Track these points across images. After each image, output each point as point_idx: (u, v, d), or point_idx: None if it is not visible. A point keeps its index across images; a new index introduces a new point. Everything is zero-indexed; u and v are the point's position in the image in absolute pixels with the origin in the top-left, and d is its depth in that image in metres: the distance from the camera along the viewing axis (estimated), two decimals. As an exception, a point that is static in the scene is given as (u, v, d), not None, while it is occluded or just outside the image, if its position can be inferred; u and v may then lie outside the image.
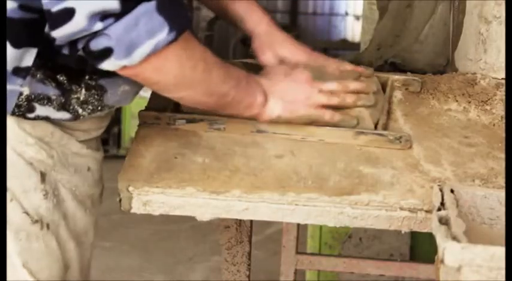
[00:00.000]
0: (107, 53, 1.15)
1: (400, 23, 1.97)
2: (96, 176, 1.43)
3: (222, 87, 1.33)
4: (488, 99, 1.56)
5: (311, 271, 3.08)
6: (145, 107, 1.51)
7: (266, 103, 1.40)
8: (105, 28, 1.13)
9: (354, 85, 1.48)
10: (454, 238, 1.01)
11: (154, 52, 1.17)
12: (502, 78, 1.57)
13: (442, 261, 0.99)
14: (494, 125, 1.51)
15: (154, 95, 1.59)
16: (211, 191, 1.34)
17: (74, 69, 1.26)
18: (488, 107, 1.55)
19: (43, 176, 1.29)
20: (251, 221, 2.01)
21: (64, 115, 1.28)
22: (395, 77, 1.61)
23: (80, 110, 1.29)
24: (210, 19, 8.74)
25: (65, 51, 1.21)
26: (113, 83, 1.31)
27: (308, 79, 1.44)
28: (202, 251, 4.43)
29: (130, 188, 1.35)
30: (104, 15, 1.12)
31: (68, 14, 1.13)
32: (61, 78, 1.26)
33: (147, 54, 1.16)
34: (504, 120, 1.51)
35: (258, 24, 1.61)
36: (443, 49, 1.83)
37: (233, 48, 10.47)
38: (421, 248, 3.01)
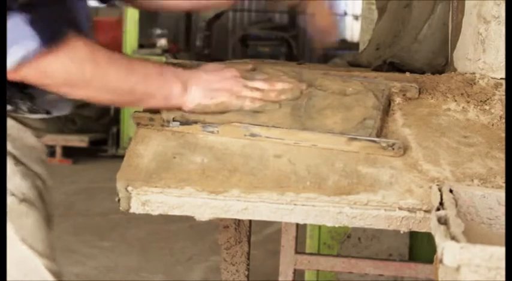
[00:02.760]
0: None
1: (399, 23, 1.97)
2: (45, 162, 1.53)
3: (124, 84, 1.39)
4: (487, 99, 1.56)
5: (310, 271, 3.09)
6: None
7: (185, 93, 1.45)
8: None
9: (281, 85, 1.52)
10: (453, 238, 1.00)
11: (26, 60, 1.28)
12: (501, 78, 1.57)
13: (441, 261, 0.99)
14: (493, 125, 1.51)
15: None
16: (210, 191, 1.34)
17: None
18: (487, 107, 1.55)
19: (16, 160, 1.40)
20: (250, 221, 2.01)
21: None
22: (392, 84, 1.60)
23: (23, 108, 1.41)
24: (209, 19, 8.75)
25: None
26: (39, 92, 1.41)
27: (235, 76, 1.50)
28: (201, 251, 4.43)
29: (129, 188, 1.35)
30: None
31: None
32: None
33: (17, 61, 1.27)
34: (503, 120, 1.51)
35: None
36: (442, 49, 1.84)
37: (232, 48, 10.48)
38: (419, 248, 3.01)
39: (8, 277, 1.36)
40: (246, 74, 1.53)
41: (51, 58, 1.30)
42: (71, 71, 1.33)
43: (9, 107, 1.40)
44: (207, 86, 1.47)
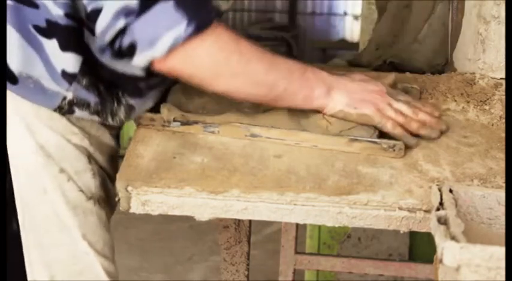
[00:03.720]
0: (132, 48, 1.26)
1: (398, 23, 1.97)
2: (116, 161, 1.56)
3: (267, 78, 1.36)
4: (487, 99, 1.56)
5: (310, 271, 3.09)
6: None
7: (329, 96, 1.41)
8: (128, 25, 1.23)
9: (423, 115, 1.46)
10: (453, 238, 1.01)
11: (176, 44, 1.25)
12: (501, 78, 1.57)
13: (440, 261, 0.99)
14: (492, 125, 1.52)
15: (153, 95, 1.59)
16: (210, 191, 1.34)
17: (111, 82, 1.39)
18: (486, 107, 1.55)
19: (89, 159, 1.43)
20: (250, 221, 2.01)
21: (95, 118, 1.42)
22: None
23: (110, 119, 1.43)
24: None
25: (107, 55, 1.32)
26: (142, 103, 1.46)
27: (381, 91, 1.44)
28: (201, 251, 4.43)
29: (129, 188, 1.35)
30: (126, 13, 1.22)
31: (97, 13, 1.24)
32: (101, 87, 1.38)
33: (169, 46, 1.25)
34: (503, 120, 1.51)
35: None
36: (442, 49, 1.84)
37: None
38: (419, 248, 3.01)
39: (63, 272, 1.40)
40: (391, 91, 1.47)
41: (199, 44, 1.27)
42: (218, 59, 1.31)
43: (97, 119, 1.42)
44: (351, 95, 1.42)
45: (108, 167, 1.50)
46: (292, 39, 10.39)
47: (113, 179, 1.45)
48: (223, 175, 1.36)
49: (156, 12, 1.23)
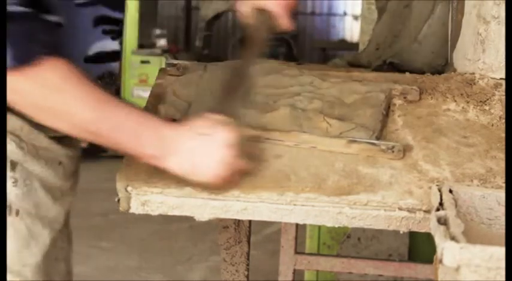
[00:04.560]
0: None
1: (398, 23, 1.97)
2: (68, 171, 1.46)
3: (91, 125, 1.29)
4: (487, 100, 1.55)
5: (309, 271, 3.08)
6: (144, 107, 1.51)
7: (163, 160, 1.32)
8: None
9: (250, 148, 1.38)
10: (453, 238, 1.01)
11: None
12: (501, 79, 1.57)
13: (440, 261, 0.99)
14: (492, 125, 1.51)
15: (154, 97, 1.59)
16: (210, 191, 1.34)
17: None
18: (486, 107, 1.55)
19: (13, 165, 1.34)
20: (250, 221, 2.01)
21: (21, 121, 1.35)
22: (393, 86, 1.59)
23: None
24: (209, 19, 8.75)
25: None
26: None
27: (223, 144, 1.32)
28: (201, 251, 4.43)
29: (129, 188, 1.35)
30: None
31: None
32: None
33: None
34: (503, 120, 1.51)
35: None
36: (442, 49, 1.84)
37: (232, 48, 10.48)
38: (419, 248, 3.01)
39: None
40: (244, 142, 1.35)
41: (19, 77, 1.24)
42: (36, 95, 1.26)
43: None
44: (188, 159, 1.32)
45: (49, 174, 1.41)
46: (292, 39, 10.39)
47: (52, 190, 1.40)
48: (223, 175, 1.36)
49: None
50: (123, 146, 1.33)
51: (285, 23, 1.61)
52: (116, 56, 1.57)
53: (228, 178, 1.32)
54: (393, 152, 1.40)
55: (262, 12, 1.58)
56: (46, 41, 1.27)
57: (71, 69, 1.27)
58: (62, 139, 1.42)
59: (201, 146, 1.31)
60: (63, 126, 1.30)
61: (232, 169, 1.32)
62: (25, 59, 1.24)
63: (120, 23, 1.55)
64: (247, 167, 1.35)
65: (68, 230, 1.51)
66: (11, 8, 1.22)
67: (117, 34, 1.55)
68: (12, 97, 1.27)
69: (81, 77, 1.28)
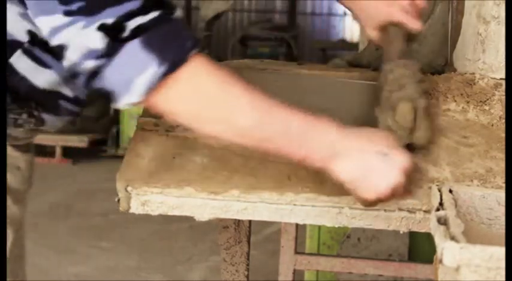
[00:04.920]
0: (109, 94, 1.17)
1: (398, 23, 1.97)
2: (26, 175, 1.46)
3: (255, 131, 1.19)
4: (487, 100, 1.55)
5: (309, 271, 3.08)
6: (143, 111, 1.50)
7: (330, 161, 1.22)
8: (98, 68, 1.15)
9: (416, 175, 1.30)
10: (453, 238, 1.00)
11: (150, 87, 1.15)
12: (501, 79, 1.57)
13: (440, 261, 0.99)
14: (492, 125, 1.51)
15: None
16: (210, 191, 1.34)
17: (26, 93, 1.30)
18: (486, 107, 1.54)
19: None
20: (250, 221, 2.01)
21: None
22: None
23: (12, 128, 1.33)
24: (209, 19, 8.74)
25: (79, 82, 1.21)
26: (55, 120, 1.38)
27: (401, 169, 1.23)
28: (201, 251, 4.43)
29: (129, 188, 1.35)
30: (95, 55, 1.14)
31: (62, 49, 1.17)
32: (8, 97, 1.29)
33: (144, 90, 1.15)
34: (503, 121, 1.51)
35: None
36: (442, 49, 1.83)
37: (231, 48, 10.48)
38: (419, 248, 3.01)
39: None
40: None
41: (173, 85, 1.15)
42: (195, 102, 1.17)
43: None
44: (361, 169, 1.22)
45: (9, 178, 1.38)
46: (292, 40, 10.39)
47: (13, 194, 1.40)
48: (223, 175, 1.36)
49: (124, 55, 1.14)
50: (289, 150, 1.21)
51: (415, 26, 1.50)
52: None
53: (387, 198, 1.25)
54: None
55: (391, 26, 1.50)
56: (190, 36, 1.18)
57: (219, 68, 1.18)
58: (21, 146, 1.43)
59: (378, 163, 1.22)
60: (226, 135, 1.21)
61: (397, 191, 1.24)
62: (176, 63, 1.15)
63: None
64: (408, 191, 1.29)
65: (22, 232, 1.50)
66: (140, 20, 1.14)
67: None
68: (169, 110, 1.19)
69: (230, 74, 1.19)
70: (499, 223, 1.20)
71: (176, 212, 1.36)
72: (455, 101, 1.57)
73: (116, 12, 1.13)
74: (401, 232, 1.36)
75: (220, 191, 1.34)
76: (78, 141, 7.08)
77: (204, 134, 1.25)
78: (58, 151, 7.05)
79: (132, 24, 1.14)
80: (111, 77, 1.15)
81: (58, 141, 6.96)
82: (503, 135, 1.46)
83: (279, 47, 10.24)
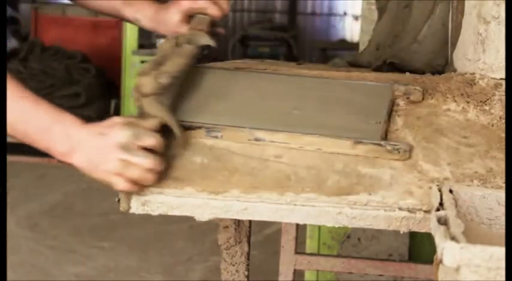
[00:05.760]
0: None
1: (398, 23, 1.97)
2: None
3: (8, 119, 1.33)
4: (487, 100, 1.55)
5: (310, 271, 3.09)
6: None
7: (69, 155, 1.35)
8: None
9: (149, 141, 1.35)
10: (453, 238, 1.00)
11: None
12: (501, 79, 1.57)
13: (440, 261, 0.99)
14: (492, 125, 1.51)
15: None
16: (210, 191, 1.34)
17: None
18: (486, 107, 1.54)
19: None
20: (250, 221, 2.01)
21: None
22: (396, 87, 1.59)
23: None
24: (209, 19, 8.73)
25: None
26: None
27: (117, 144, 1.32)
28: (201, 251, 4.43)
29: (129, 188, 1.35)
30: None
31: None
32: None
33: None
34: (503, 121, 1.51)
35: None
36: (442, 49, 1.83)
37: (232, 48, 10.47)
38: (419, 248, 3.02)
39: None
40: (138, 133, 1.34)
41: None
42: None
43: None
44: (85, 156, 1.34)
45: None
46: (292, 39, 10.39)
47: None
48: (223, 175, 1.36)
49: None
50: (34, 141, 1.36)
51: (216, 12, 1.67)
52: None
53: (128, 175, 1.31)
54: (399, 152, 1.40)
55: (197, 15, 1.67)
56: None
57: None
58: None
59: (95, 145, 1.34)
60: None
61: (127, 166, 1.31)
62: None
63: None
64: (151, 164, 1.32)
65: None
66: None
67: None
68: None
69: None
70: (499, 223, 1.20)
71: (176, 212, 1.36)
72: (456, 101, 1.57)
73: None
74: (401, 232, 1.36)
75: (220, 191, 1.34)
76: (78, 141, 7.07)
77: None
78: (58, 151, 7.04)
79: None
80: None
81: (58, 141, 6.94)
82: (504, 135, 1.46)
83: (279, 47, 10.24)
